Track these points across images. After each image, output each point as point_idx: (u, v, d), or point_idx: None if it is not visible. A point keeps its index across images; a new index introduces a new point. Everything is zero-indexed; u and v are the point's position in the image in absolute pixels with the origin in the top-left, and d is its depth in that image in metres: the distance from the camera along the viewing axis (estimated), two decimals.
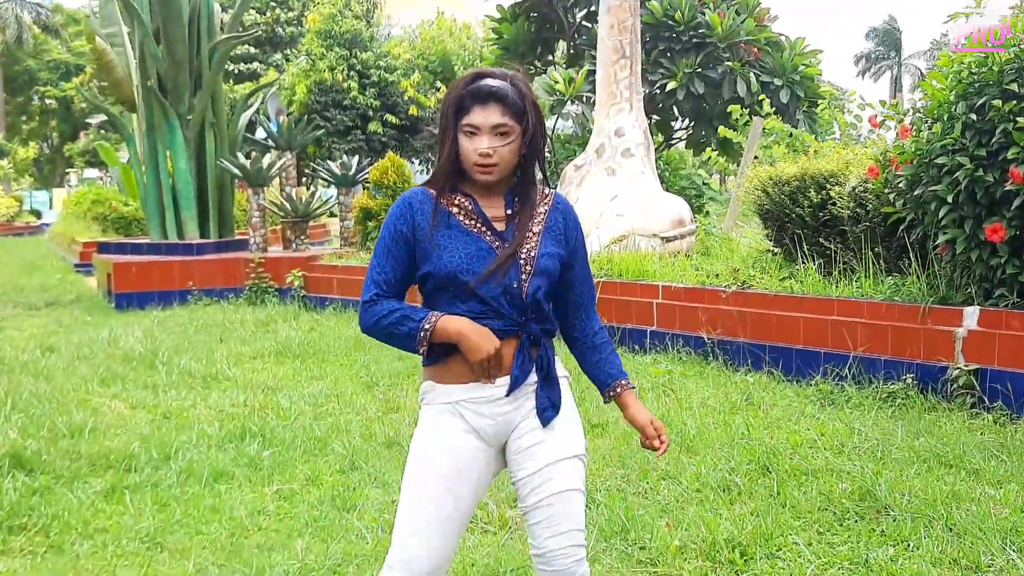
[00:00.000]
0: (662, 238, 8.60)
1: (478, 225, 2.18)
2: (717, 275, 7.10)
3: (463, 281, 2.13)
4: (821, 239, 6.67)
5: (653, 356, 6.86)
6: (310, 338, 8.10)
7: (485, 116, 2.13)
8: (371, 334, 2.21)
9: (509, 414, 2.21)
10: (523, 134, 2.17)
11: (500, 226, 2.20)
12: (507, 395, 2.19)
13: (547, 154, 2.15)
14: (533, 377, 2.21)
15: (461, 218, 2.18)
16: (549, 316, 2.25)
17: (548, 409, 2.22)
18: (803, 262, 6.69)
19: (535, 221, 2.23)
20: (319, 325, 8.89)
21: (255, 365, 7.07)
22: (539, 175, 2.29)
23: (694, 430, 4.86)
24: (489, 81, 2.15)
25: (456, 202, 2.19)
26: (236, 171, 11.55)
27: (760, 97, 10.64)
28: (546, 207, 2.27)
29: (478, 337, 2.11)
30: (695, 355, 6.68)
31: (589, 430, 4.97)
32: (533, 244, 2.20)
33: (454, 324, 2.12)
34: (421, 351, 2.15)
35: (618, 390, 2.36)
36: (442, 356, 2.18)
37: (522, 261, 2.17)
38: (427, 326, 2.12)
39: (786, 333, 6.17)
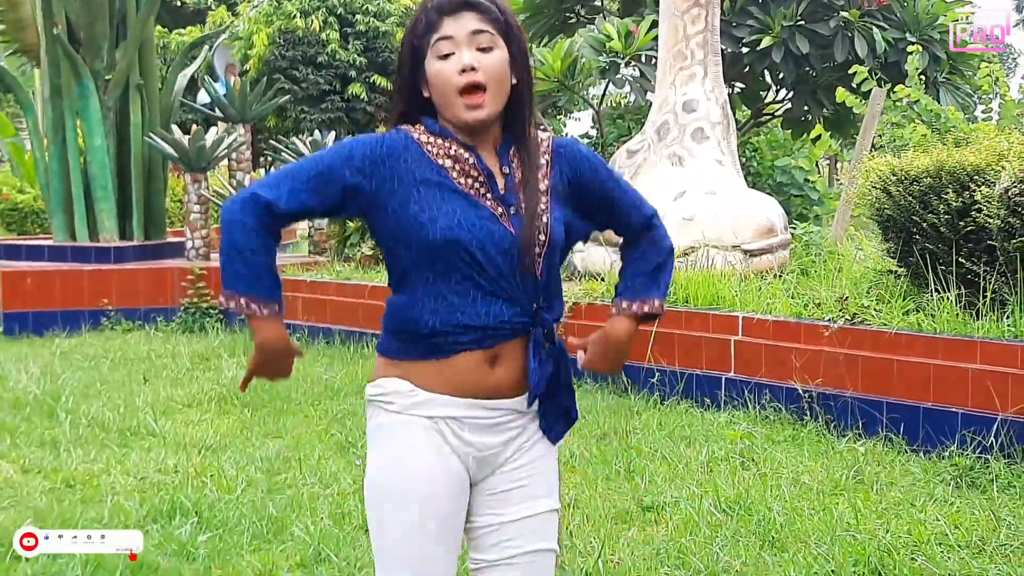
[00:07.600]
0: (745, 251, 8.66)
1: (476, 185, 2.25)
2: (818, 304, 7.13)
3: (467, 251, 2.18)
4: (962, 258, 6.68)
5: (728, 413, 6.91)
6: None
7: (459, 25, 2.21)
8: (221, 229, 2.31)
9: (505, 445, 2.31)
10: (510, 56, 2.25)
11: (500, 187, 2.28)
12: (529, 406, 2.29)
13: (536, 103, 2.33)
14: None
15: (455, 175, 2.24)
16: (559, 298, 2.34)
17: (559, 421, 2.35)
18: (937, 289, 6.71)
19: (540, 178, 2.31)
20: None
21: (190, 415, 7.16)
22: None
23: (782, 517, 4.90)
24: None
25: (453, 153, 2.26)
26: (170, 150, 11.71)
27: (881, 56, 10.59)
28: (547, 156, 2.34)
29: (267, 369, 2.47)
30: (786, 413, 6.72)
31: (640, 514, 5.03)
32: (543, 208, 2.27)
33: (270, 333, 2.42)
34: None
35: (634, 309, 2.41)
36: (435, 350, 2.24)
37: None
38: (245, 311, 2.41)
39: (911, 386, 6.20)
